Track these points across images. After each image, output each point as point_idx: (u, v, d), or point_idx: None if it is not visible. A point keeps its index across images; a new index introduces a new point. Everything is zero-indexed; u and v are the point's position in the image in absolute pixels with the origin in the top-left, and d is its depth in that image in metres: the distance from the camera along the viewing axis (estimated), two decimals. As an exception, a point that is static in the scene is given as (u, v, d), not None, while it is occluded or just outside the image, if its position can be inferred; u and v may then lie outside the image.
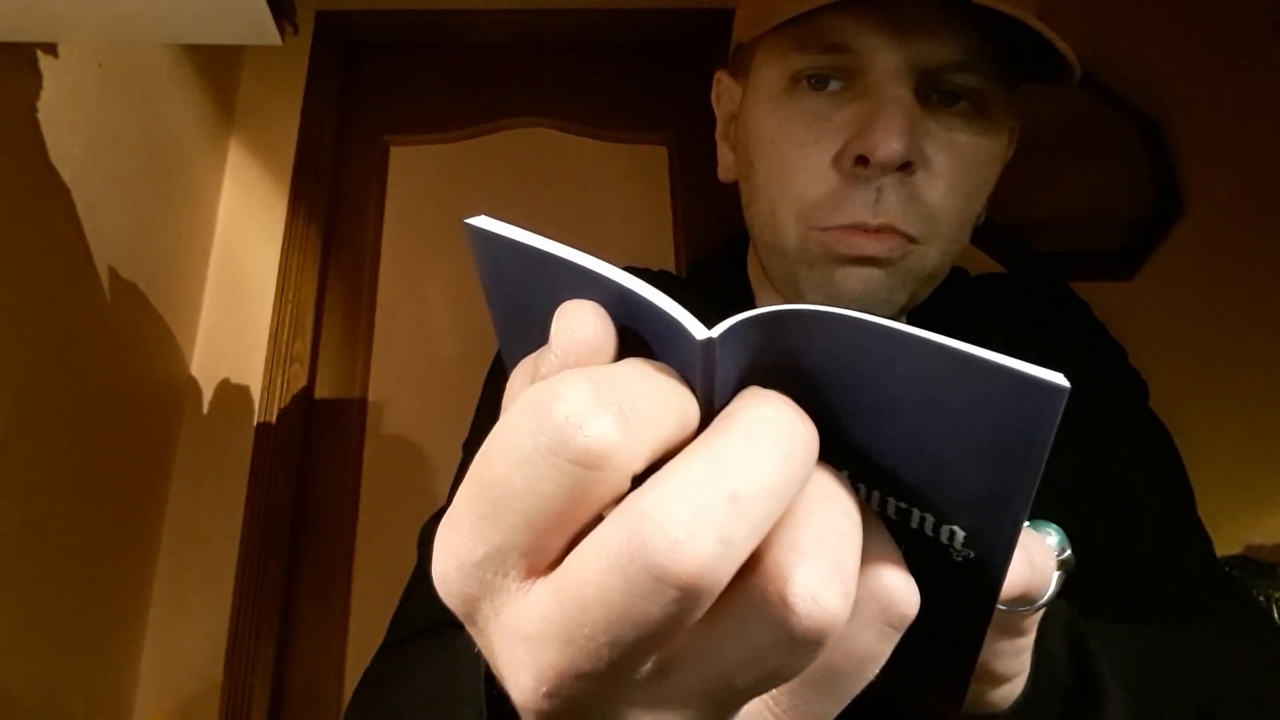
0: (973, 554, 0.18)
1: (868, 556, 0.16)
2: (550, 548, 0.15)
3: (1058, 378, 0.14)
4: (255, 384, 1.34)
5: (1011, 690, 0.27)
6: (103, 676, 1.08)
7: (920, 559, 0.18)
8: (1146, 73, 1.63)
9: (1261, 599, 1.21)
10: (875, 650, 0.17)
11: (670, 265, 1.46)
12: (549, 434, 0.14)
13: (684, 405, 0.16)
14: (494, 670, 0.17)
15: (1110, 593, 0.46)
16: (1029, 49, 0.41)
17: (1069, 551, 0.24)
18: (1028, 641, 0.26)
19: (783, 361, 0.16)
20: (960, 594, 0.19)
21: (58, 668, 0.96)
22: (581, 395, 0.14)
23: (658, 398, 0.15)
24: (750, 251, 0.57)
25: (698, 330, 0.15)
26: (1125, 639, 0.34)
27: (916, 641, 0.20)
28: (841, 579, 0.14)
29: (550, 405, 0.14)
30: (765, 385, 0.16)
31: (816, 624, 0.14)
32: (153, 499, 1.22)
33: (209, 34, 0.83)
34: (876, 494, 0.18)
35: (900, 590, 0.17)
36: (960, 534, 0.17)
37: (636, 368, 0.16)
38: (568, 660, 0.14)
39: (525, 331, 0.19)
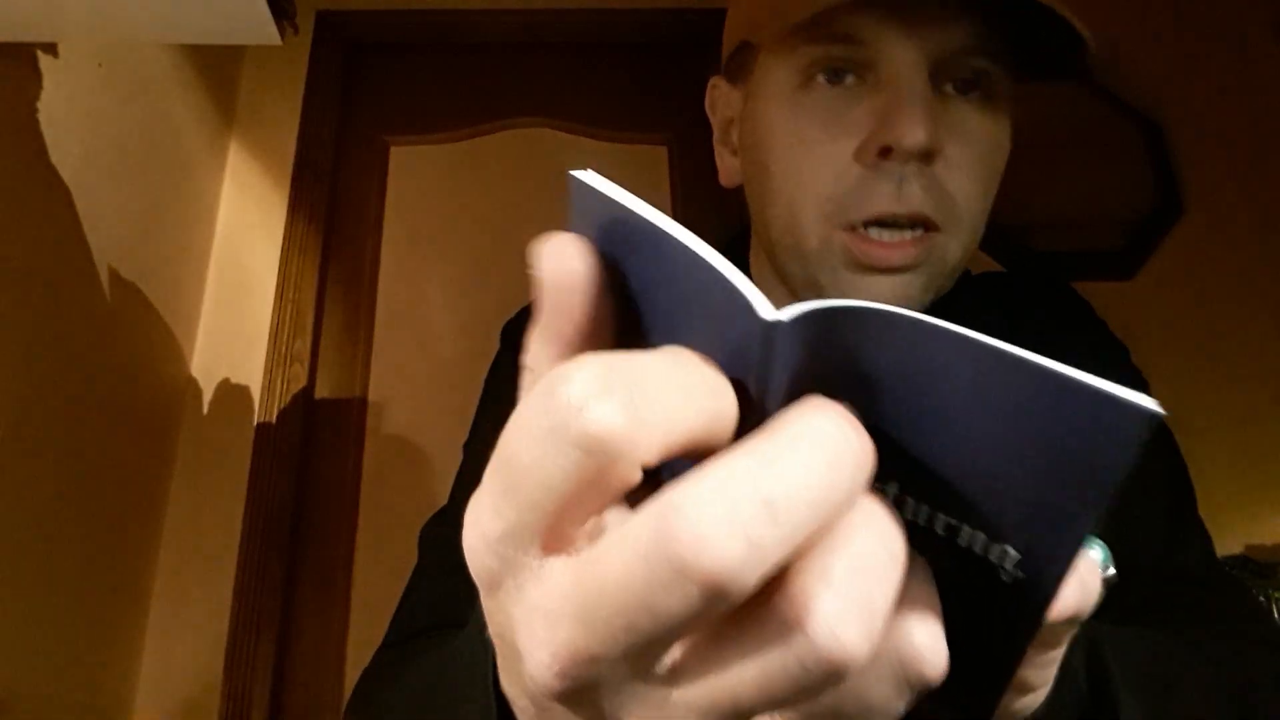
0: (1023, 575, 0.17)
1: (904, 603, 0.16)
2: (566, 529, 0.15)
3: (1149, 402, 0.13)
4: (255, 384, 1.34)
5: (1034, 700, 0.27)
6: (103, 676, 1.08)
7: (964, 577, 0.17)
8: (1146, 73, 1.63)
9: (1261, 599, 1.21)
10: (888, 704, 0.16)
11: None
12: (552, 415, 0.14)
13: (714, 399, 0.15)
14: (509, 646, 0.16)
15: (1110, 591, 0.46)
16: (1032, 36, 0.42)
17: (1112, 569, 0.24)
18: (1060, 653, 0.25)
19: (841, 361, 0.16)
20: (1004, 614, 0.18)
21: (58, 668, 0.96)
22: (588, 378, 0.14)
23: (680, 388, 0.15)
24: (754, 252, 0.56)
25: (765, 309, 0.15)
26: (1137, 646, 0.34)
27: (952, 658, 0.20)
28: (867, 619, 0.14)
29: (557, 386, 0.14)
30: (819, 386, 0.16)
31: (831, 659, 0.14)
32: (153, 499, 1.22)
33: (209, 34, 0.83)
34: (925, 508, 0.17)
35: (927, 651, 0.16)
36: (1013, 554, 0.17)
37: (665, 357, 0.16)
38: (583, 640, 0.14)
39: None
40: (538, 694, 0.15)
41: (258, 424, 1.32)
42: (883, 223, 0.42)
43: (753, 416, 0.16)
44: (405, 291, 1.47)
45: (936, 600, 0.17)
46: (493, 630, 0.18)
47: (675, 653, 0.15)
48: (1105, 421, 0.14)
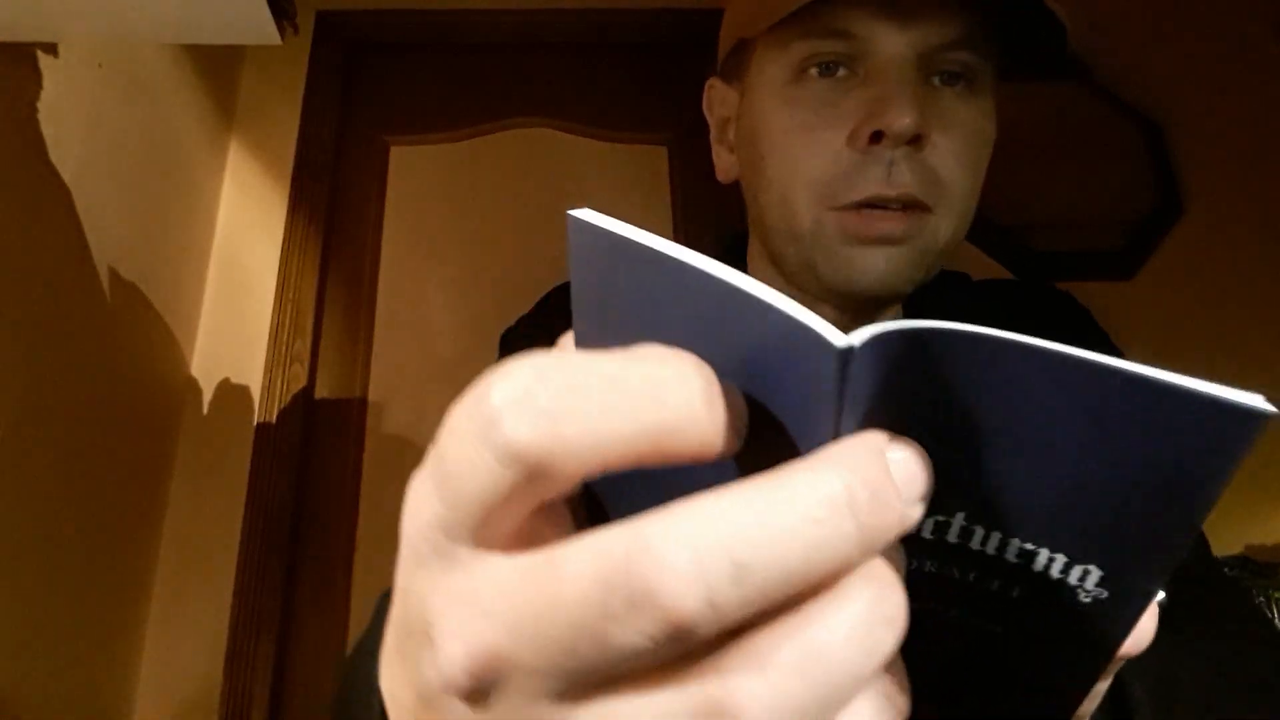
0: (1105, 594, 0.16)
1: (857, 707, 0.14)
2: (498, 528, 0.14)
3: (1258, 400, 0.12)
4: (255, 384, 1.34)
5: None
6: (103, 676, 1.08)
7: (1036, 601, 0.17)
8: (1146, 73, 1.63)
9: (1261, 599, 1.21)
10: None
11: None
12: (475, 422, 0.14)
13: (666, 408, 0.14)
14: (415, 631, 0.16)
15: None
16: (1015, 31, 0.44)
17: (1163, 592, 0.23)
18: (1107, 683, 0.25)
19: (914, 388, 0.14)
20: (1078, 637, 0.17)
21: (58, 668, 0.96)
22: (510, 388, 0.14)
23: (623, 398, 0.14)
24: (751, 252, 0.57)
25: (835, 337, 0.13)
26: (1149, 653, 0.34)
27: (1014, 687, 0.19)
28: None
29: (484, 390, 0.14)
30: (885, 416, 0.15)
31: None
32: (153, 499, 1.22)
33: (209, 34, 0.83)
34: (997, 535, 0.17)
35: None
36: (1095, 574, 0.16)
37: (619, 359, 0.14)
38: (507, 645, 0.14)
39: (611, 337, 0.18)
40: (437, 685, 0.15)
41: (258, 424, 1.32)
42: (873, 205, 0.44)
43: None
44: (405, 291, 1.47)
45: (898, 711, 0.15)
46: (398, 612, 0.17)
47: (593, 681, 0.14)
48: (1212, 426, 0.13)
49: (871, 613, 0.13)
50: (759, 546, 0.13)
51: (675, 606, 0.12)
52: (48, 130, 0.94)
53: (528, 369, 0.14)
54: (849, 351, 0.13)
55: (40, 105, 0.92)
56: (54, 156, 0.95)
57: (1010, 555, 0.17)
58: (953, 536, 0.17)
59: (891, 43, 0.43)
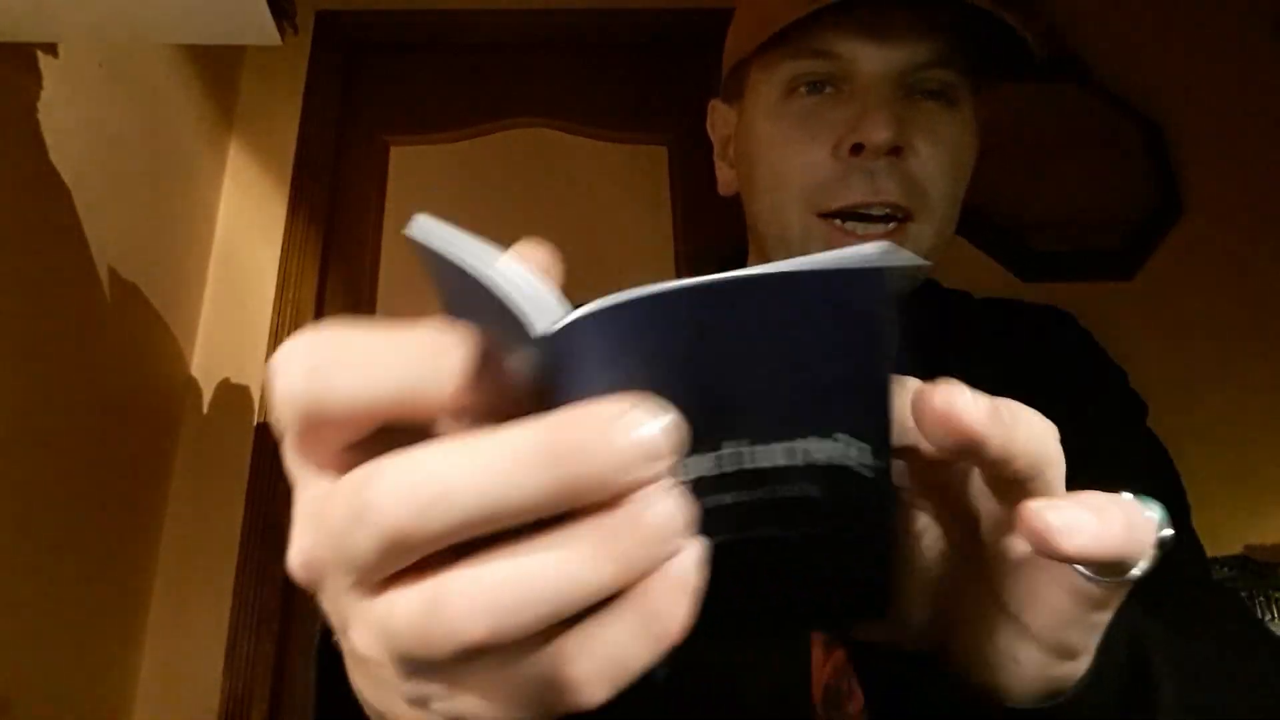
0: (878, 461, 0.19)
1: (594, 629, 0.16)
2: (320, 457, 0.18)
3: (872, 258, 0.16)
4: (255, 384, 1.34)
5: (1076, 668, 0.26)
6: (103, 677, 1.08)
7: (829, 493, 0.19)
8: (1146, 73, 1.63)
9: (1261, 599, 1.21)
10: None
11: (670, 265, 1.46)
12: (270, 372, 0.17)
13: (415, 373, 0.17)
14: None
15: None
16: (992, 45, 0.47)
17: (1170, 530, 0.23)
18: (1105, 617, 0.24)
19: (639, 350, 0.16)
20: (859, 508, 0.20)
21: (58, 669, 0.96)
22: (294, 348, 0.17)
23: (387, 361, 0.17)
24: (750, 265, 0.58)
25: (540, 326, 0.16)
26: (1165, 639, 0.34)
27: (834, 585, 0.22)
28: (491, 623, 0.15)
29: (280, 349, 0.17)
30: (624, 378, 0.16)
31: (446, 647, 0.15)
32: (153, 499, 1.22)
33: (209, 34, 0.83)
34: (762, 447, 0.19)
35: (580, 682, 0.16)
36: (851, 440, 0.19)
37: (397, 334, 0.17)
38: (318, 550, 0.17)
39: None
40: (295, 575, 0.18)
41: (258, 424, 1.32)
42: (858, 216, 0.47)
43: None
44: (405, 291, 1.47)
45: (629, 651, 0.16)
46: None
47: (367, 579, 0.17)
48: (852, 289, 0.16)
49: (592, 551, 0.15)
50: (457, 479, 0.15)
51: (386, 519, 0.15)
52: (48, 130, 0.94)
53: (316, 334, 0.17)
54: (551, 338, 0.15)
55: (40, 105, 0.92)
56: (54, 156, 0.95)
57: (781, 457, 0.19)
58: (731, 465, 0.19)
59: (873, 62, 0.47)
